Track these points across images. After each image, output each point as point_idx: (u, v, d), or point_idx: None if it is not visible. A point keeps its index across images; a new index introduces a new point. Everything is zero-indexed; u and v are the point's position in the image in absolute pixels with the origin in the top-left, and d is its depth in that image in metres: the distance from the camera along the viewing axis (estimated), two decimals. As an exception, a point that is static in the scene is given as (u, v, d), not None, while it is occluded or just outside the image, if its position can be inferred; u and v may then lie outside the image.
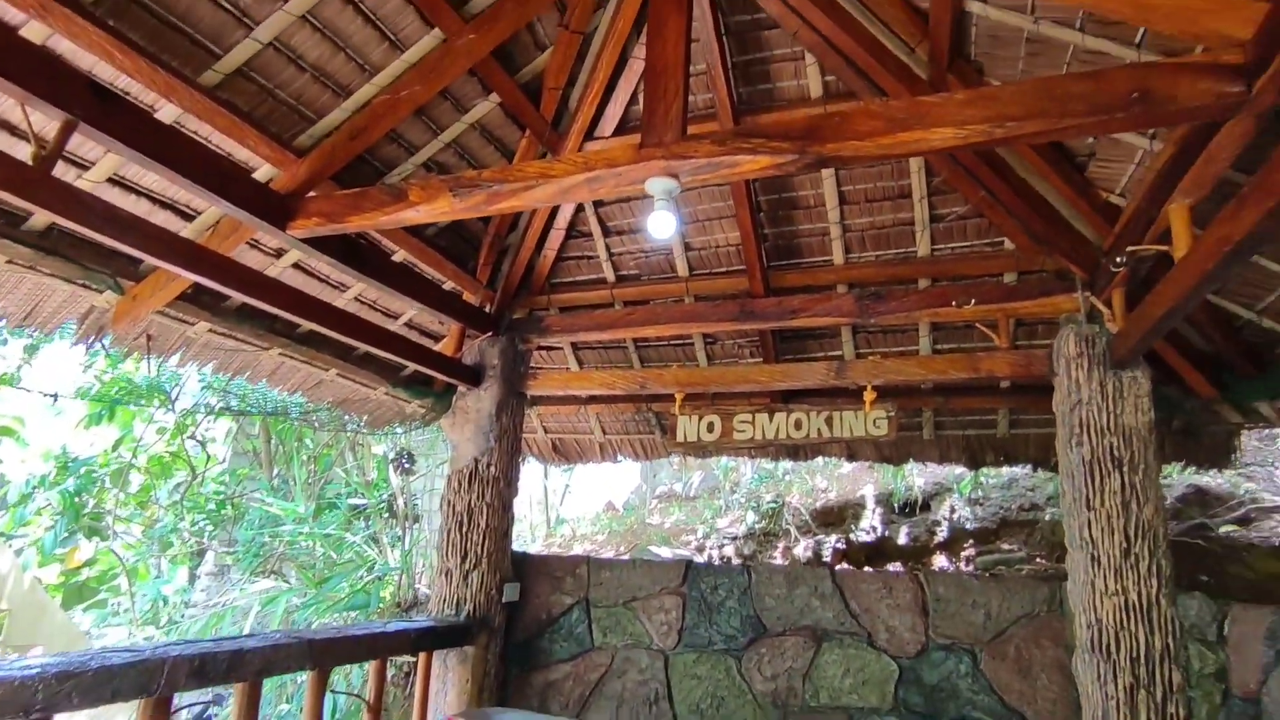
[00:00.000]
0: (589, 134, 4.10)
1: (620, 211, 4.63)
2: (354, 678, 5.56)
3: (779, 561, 6.82)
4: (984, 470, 6.24)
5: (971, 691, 3.86)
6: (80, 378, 9.68)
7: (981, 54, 3.24)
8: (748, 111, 3.92)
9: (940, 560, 6.19)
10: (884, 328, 4.70)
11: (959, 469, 5.95)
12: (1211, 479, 5.82)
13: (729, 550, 7.30)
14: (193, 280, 3.19)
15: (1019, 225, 3.82)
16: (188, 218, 3.42)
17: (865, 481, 7.79)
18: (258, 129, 3.09)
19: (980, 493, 6.99)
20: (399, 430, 6.52)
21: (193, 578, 9.94)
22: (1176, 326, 3.70)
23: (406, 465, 8.74)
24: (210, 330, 4.01)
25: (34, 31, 2.42)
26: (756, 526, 7.65)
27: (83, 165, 2.95)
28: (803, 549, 6.82)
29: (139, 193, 3.18)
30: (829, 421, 4.36)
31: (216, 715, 6.01)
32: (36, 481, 9.24)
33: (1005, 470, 6.62)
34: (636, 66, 3.85)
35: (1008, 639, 3.88)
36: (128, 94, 2.71)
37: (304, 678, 3.23)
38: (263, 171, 3.35)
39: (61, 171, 2.87)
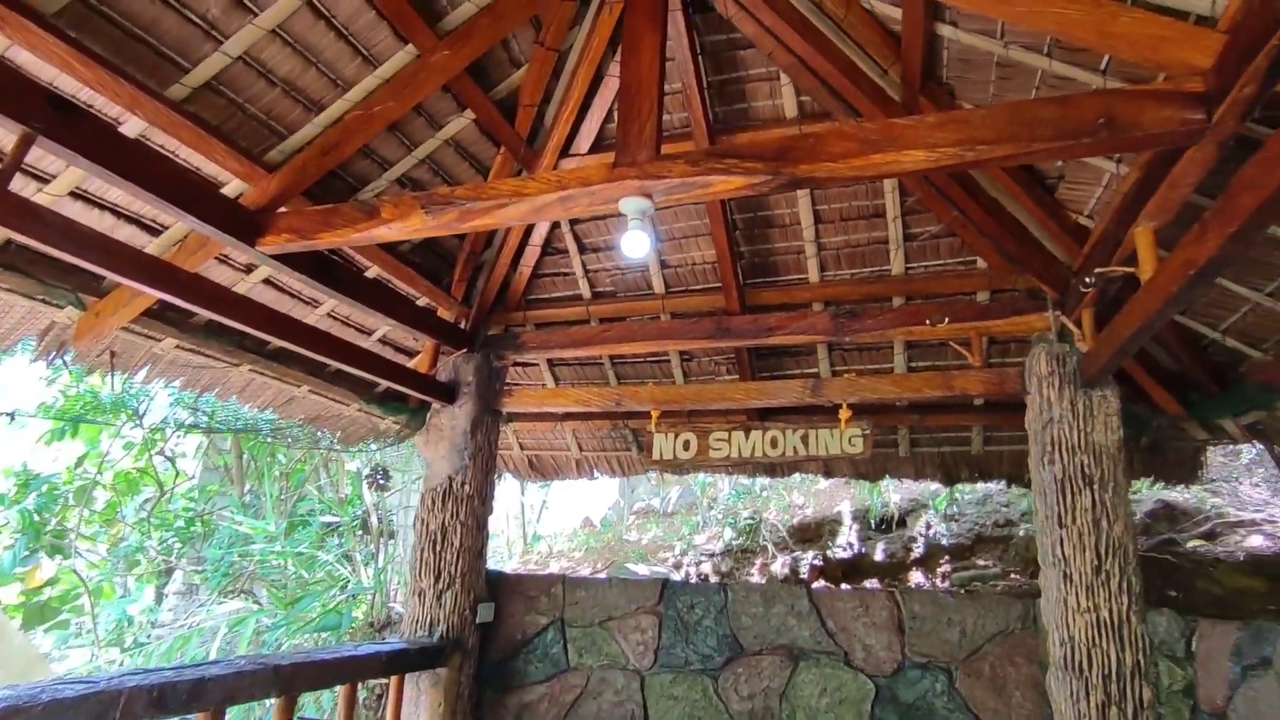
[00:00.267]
0: (564, 151, 4.10)
1: (596, 228, 4.63)
2: (325, 701, 5.43)
3: (756, 578, 6.79)
4: (959, 486, 6.28)
5: (947, 710, 3.86)
6: (44, 393, 9.44)
7: (953, 77, 3.29)
8: (723, 131, 3.94)
9: (917, 576, 6.20)
10: (859, 346, 4.73)
11: (934, 485, 5.99)
12: (1179, 494, 5.91)
13: (706, 567, 7.26)
14: (157, 297, 3.12)
15: (991, 245, 3.86)
16: (154, 232, 3.35)
17: (842, 497, 7.81)
18: (227, 143, 3.04)
19: (956, 508, 7.04)
20: (373, 447, 6.43)
21: (160, 597, 9.68)
22: (1144, 345, 3.76)
23: (381, 481, 8.62)
24: (177, 346, 3.92)
25: (-9, 43, 2.37)
26: (734, 543, 7.62)
27: (43, 179, 2.88)
28: (780, 565, 6.81)
29: (102, 207, 3.10)
30: (805, 439, 4.36)
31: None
32: (-6, 499, 8.96)
33: (980, 486, 6.67)
34: (612, 84, 3.86)
35: (983, 656, 3.89)
36: (90, 106, 2.66)
37: (272, 702, 3.14)
38: (232, 186, 3.30)
39: (20, 185, 2.81)
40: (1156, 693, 3.16)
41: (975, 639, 3.92)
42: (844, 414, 4.25)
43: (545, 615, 4.63)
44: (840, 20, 3.36)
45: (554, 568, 8.37)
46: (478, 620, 4.40)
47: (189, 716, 2.70)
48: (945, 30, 3.04)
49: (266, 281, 4.01)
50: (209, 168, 3.17)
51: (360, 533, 8.07)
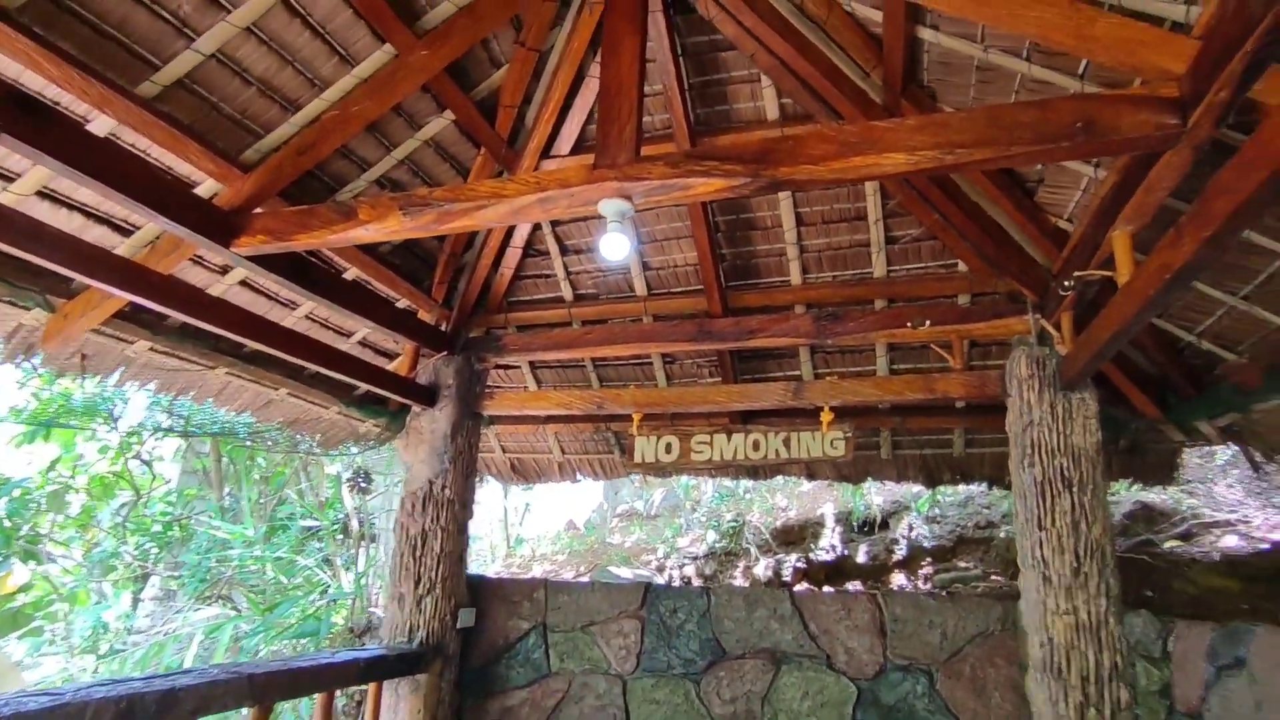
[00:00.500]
0: (545, 152, 4.07)
1: (578, 230, 4.60)
2: (304, 708, 5.35)
3: (739, 581, 6.79)
4: (941, 488, 6.31)
5: (928, 712, 3.86)
6: (15, 396, 9.26)
7: (934, 80, 3.30)
8: (705, 133, 3.93)
9: (899, 578, 6.22)
10: (841, 348, 4.74)
11: (917, 487, 6.01)
12: (1157, 495, 5.97)
13: (689, 570, 7.25)
14: (128, 300, 3.05)
15: (971, 248, 3.88)
16: (125, 233, 3.29)
17: (825, 500, 7.83)
18: (200, 143, 2.99)
19: (938, 510, 7.07)
20: (353, 450, 6.35)
21: (136, 603, 9.52)
22: (1122, 349, 3.79)
23: (363, 484, 8.54)
24: (151, 349, 3.86)
25: (-49, 39, 2.31)
26: (717, 546, 7.61)
27: (8, 177, 2.81)
28: (763, 568, 6.80)
29: (71, 207, 3.04)
30: (786, 442, 4.36)
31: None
32: (-38, 504, 8.76)
33: (962, 488, 6.70)
34: (593, 85, 3.84)
35: (963, 658, 3.90)
36: (57, 104, 2.60)
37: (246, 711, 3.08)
38: (206, 187, 3.25)
39: (-16, 185, 2.74)
40: (1134, 694, 3.18)
41: (956, 641, 3.93)
42: (826, 417, 4.25)
43: (527, 620, 4.59)
44: (822, 22, 3.36)
45: (537, 571, 8.32)
46: (459, 625, 4.36)
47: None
48: (926, 34, 3.05)
49: (243, 283, 3.95)
50: (182, 167, 3.11)
51: (341, 537, 7.98)
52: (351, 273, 4.18)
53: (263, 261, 3.10)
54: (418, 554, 4.30)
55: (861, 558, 6.70)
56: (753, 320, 4.16)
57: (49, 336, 3.30)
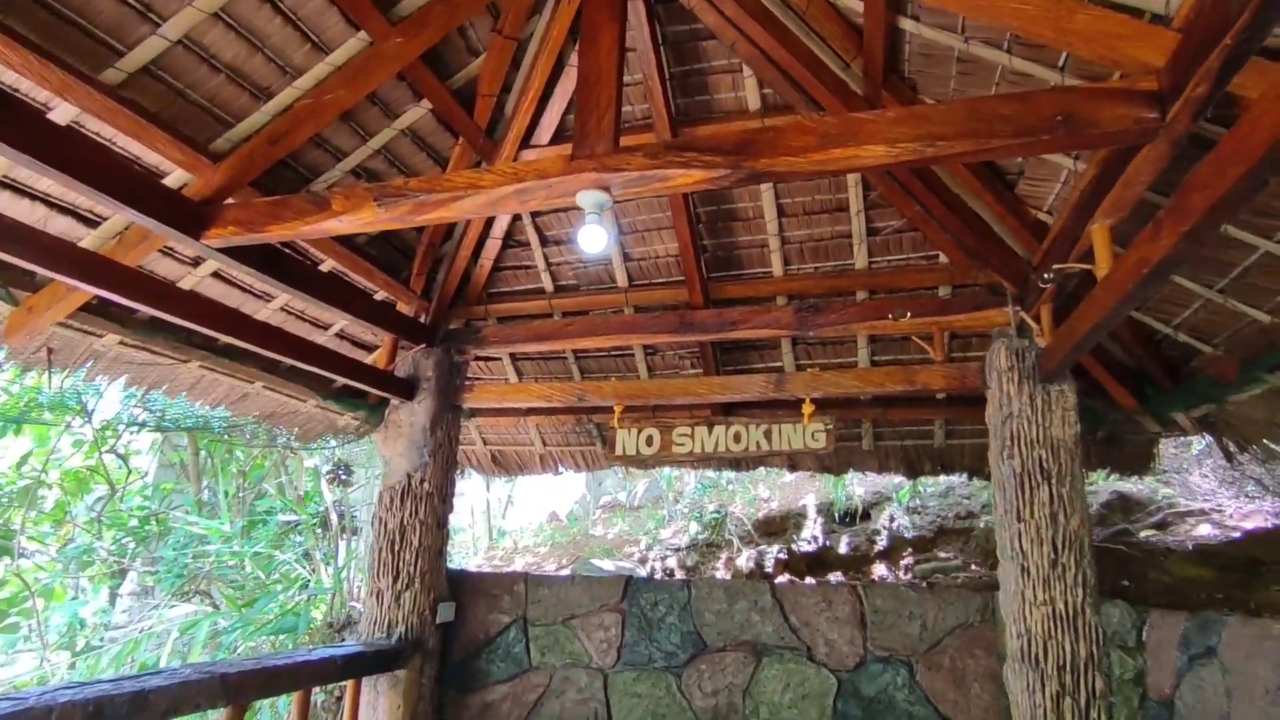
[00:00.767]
0: (525, 142, 4.01)
1: (558, 221, 4.55)
2: (281, 706, 5.30)
3: (722, 572, 6.80)
4: (922, 479, 6.35)
5: (908, 703, 3.89)
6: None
7: (915, 71, 3.28)
8: (685, 123, 3.89)
9: (880, 568, 6.26)
10: (823, 340, 4.73)
11: (898, 478, 6.05)
12: (1133, 485, 6.04)
13: (672, 562, 7.26)
14: (93, 294, 2.97)
15: (952, 240, 3.88)
16: (91, 224, 3.20)
17: (807, 491, 7.85)
18: (168, 131, 2.91)
19: (919, 501, 7.12)
20: (331, 443, 6.28)
21: (113, 598, 9.38)
22: (1100, 341, 3.81)
23: (343, 477, 8.45)
24: (121, 343, 3.77)
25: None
26: (699, 537, 7.62)
27: (-34, 167, 2.73)
28: (745, 559, 6.82)
29: (33, 197, 2.95)
30: (768, 434, 4.35)
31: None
32: (-68, 501, 8.59)
33: (942, 479, 6.76)
34: (573, 73, 3.77)
35: (943, 649, 3.92)
36: (15, 91, 2.51)
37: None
38: (175, 177, 3.17)
39: (-60, 174, 2.65)
40: (1109, 682, 3.22)
41: (936, 632, 3.96)
42: (807, 409, 4.25)
43: (507, 614, 4.57)
44: (802, 12, 3.33)
45: (519, 563, 8.29)
46: (438, 620, 4.32)
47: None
48: (907, 24, 3.03)
49: (215, 275, 3.87)
50: (149, 157, 3.03)
51: (320, 531, 7.90)
52: (327, 264, 4.11)
53: (235, 253, 3.04)
54: (396, 549, 4.26)
55: (843, 548, 6.74)
56: (734, 312, 4.14)
57: (12, 330, 3.22)
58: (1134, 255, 2.25)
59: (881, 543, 6.63)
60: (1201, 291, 3.25)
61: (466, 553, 9.44)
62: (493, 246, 4.63)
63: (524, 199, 2.57)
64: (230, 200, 3.02)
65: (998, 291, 3.80)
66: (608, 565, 7.15)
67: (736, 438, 4.41)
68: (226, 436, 8.17)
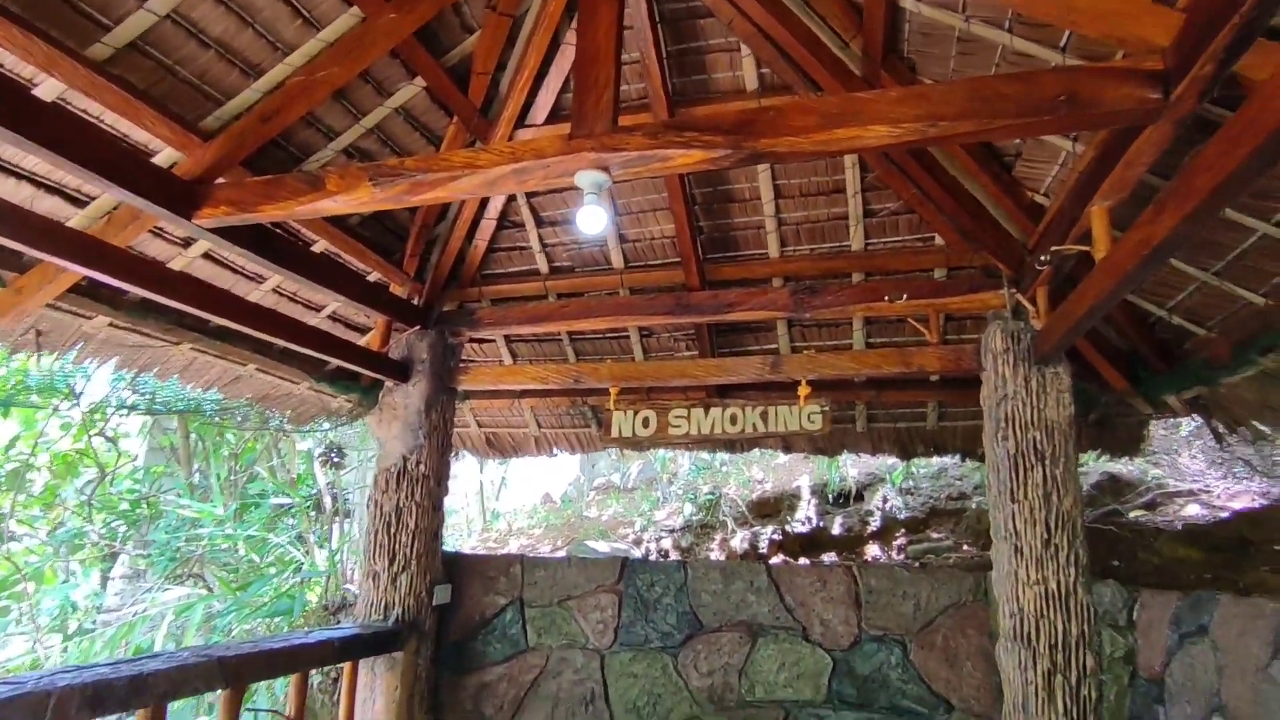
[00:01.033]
0: (520, 121, 3.96)
1: (553, 202, 4.51)
2: (278, 688, 5.31)
3: (716, 554, 6.84)
4: (915, 461, 6.39)
5: (901, 681, 3.94)
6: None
7: (914, 51, 3.25)
8: (682, 103, 3.85)
9: (873, 549, 6.31)
10: (818, 322, 4.73)
11: (891, 460, 6.08)
12: (1123, 466, 6.10)
13: (667, 543, 7.29)
14: (82, 275, 2.93)
15: (949, 222, 3.87)
16: (80, 204, 3.15)
17: (801, 472, 7.89)
18: (156, 109, 2.86)
19: (911, 482, 7.16)
20: (325, 426, 6.25)
21: (105, 582, 9.36)
22: (1095, 324, 3.82)
23: (336, 460, 8.42)
24: (111, 325, 3.73)
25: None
26: (694, 519, 7.66)
27: (-51, 145, 2.67)
28: (740, 540, 6.86)
29: (19, 176, 2.90)
30: (764, 416, 4.35)
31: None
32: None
33: (935, 460, 6.79)
34: (569, 52, 3.73)
35: (936, 629, 3.97)
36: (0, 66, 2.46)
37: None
38: (164, 155, 3.11)
39: (-76, 152, 2.60)
40: (1100, 660, 3.27)
41: (929, 612, 4.00)
42: (803, 390, 4.25)
43: (504, 596, 4.58)
44: (802, -10, 3.29)
45: (514, 545, 8.31)
46: (434, 602, 4.33)
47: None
48: (907, 2, 3.00)
49: (206, 256, 3.82)
50: (137, 135, 2.98)
51: (314, 513, 7.89)
52: (320, 245, 4.07)
53: (226, 234, 2.99)
54: (392, 531, 4.25)
55: (837, 529, 6.79)
56: (730, 293, 4.13)
57: (1, 312, 3.16)
58: (1134, 237, 2.24)
59: (875, 524, 6.68)
60: (1197, 275, 3.26)
61: (460, 535, 9.46)
62: (487, 227, 4.59)
63: (522, 179, 2.53)
64: (221, 180, 2.97)
65: (993, 274, 3.80)
66: (602, 547, 7.18)
67: (733, 420, 4.41)
68: (218, 420, 8.11)
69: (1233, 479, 5.66)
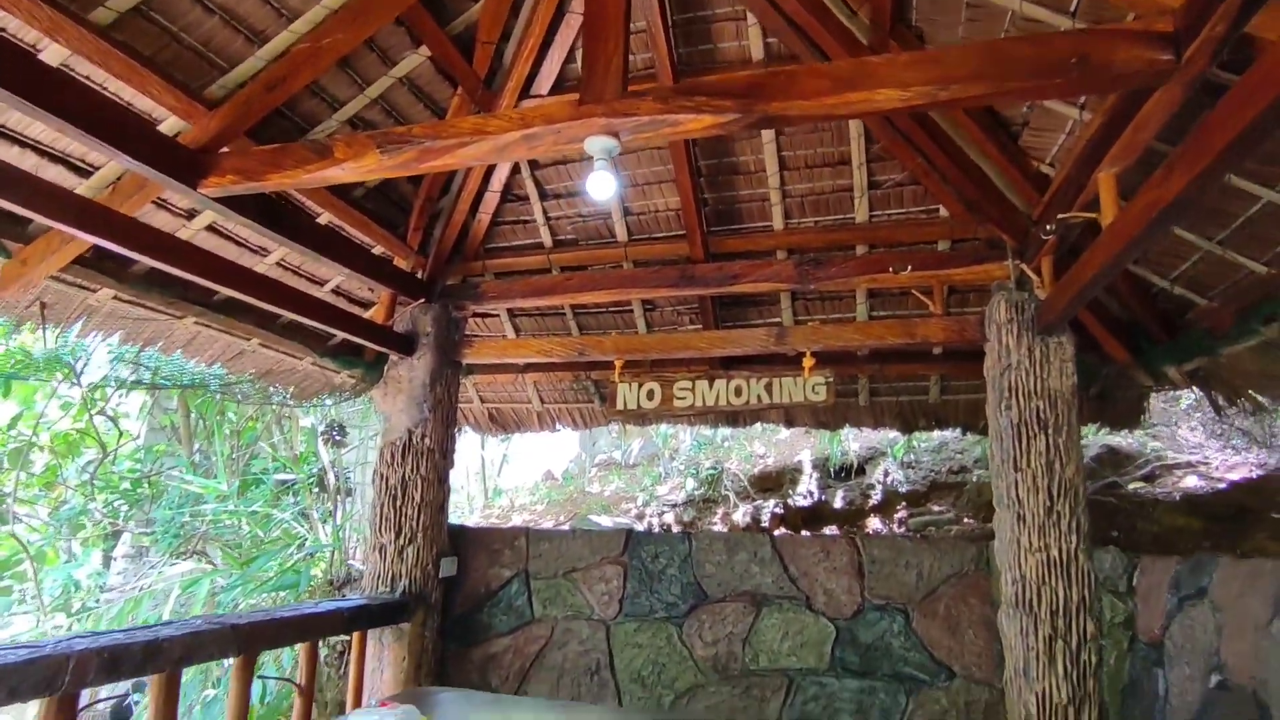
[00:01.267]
0: (524, 92, 3.94)
1: (557, 174, 4.50)
2: (285, 659, 5.37)
3: (719, 527, 6.90)
4: (916, 434, 6.43)
5: (904, 649, 3.99)
6: (-29, 350, 8.92)
7: (922, 19, 3.24)
8: (688, 73, 3.83)
9: (874, 522, 6.37)
10: (822, 294, 4.73)
11: (892, 433, 6.11)
12: (1123, 439, 6.15)
13: (669, 517, 7.35)
14: (90, 242, 2.92)
15: (953, 193, 3.87)
16: (84, 174, 3.13)
17: (802, 447, 7.93)
18: (161, 76, 2.83)
19: (912, 456, 7.21)
20: (328, 402, 6.26)
21: (107, 560, 9.41)
22: (1097, 295, 3.84)
23: (337, 437, 8.44)
24: (115, 298, 3.72)
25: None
26: (696, 493, 7.71)
27: (-46, 111, 2.65)
28: (742, 514, 6.92)
29: (24, 144, 2.88)
30: (769, 388, 4.37)
31: (139, 703, 5.73)
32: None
33: (936, 434, 6.84)
34: (574, 21, 3.70)
35: (938, 597, 4.02)
36: (3, 30, 2.43)
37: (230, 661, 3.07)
38: (169, 124, 3.09)
39: (-71, 117, 2.58)
40: (1100, 626, 3.32)
41: (931, 581, 4.05)
42: (808, 362, 4.27)
43: (509, 568, 4.63)
44: (809, -44, 3.26)
45: (516, 521, 8.37)
46: (440, 574, 4.37)
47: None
48: (916, -32, 2.97)
49: (210, 228, 3.81)
50: (143, 102, 2.95)
51: (317, 490, 7.92)
52: (324, 218, 4.05)
53: (232, 204, 2.98)
54: (398, 504, 4.28)
55: (838, 503, 6.84)
56: (735, 265, 4.13)
57: (5, 283, 3.16)
58: (1144, 199, 2.25)
59: (876, 497, 6.74)
60: (1201, 244, 3.27)
61: (462, 512, 9.50)
62: (491, 200, 4.58)
63: (532, 145, 2.53)
64: (226, 149, 2.96)
65: (997, 245, 3.81)
66: (606, 521, 7.23)
67: (737, 392, 4.43)
68: (221, 395, 8.12)
69: (1231, 451, 5.71)
